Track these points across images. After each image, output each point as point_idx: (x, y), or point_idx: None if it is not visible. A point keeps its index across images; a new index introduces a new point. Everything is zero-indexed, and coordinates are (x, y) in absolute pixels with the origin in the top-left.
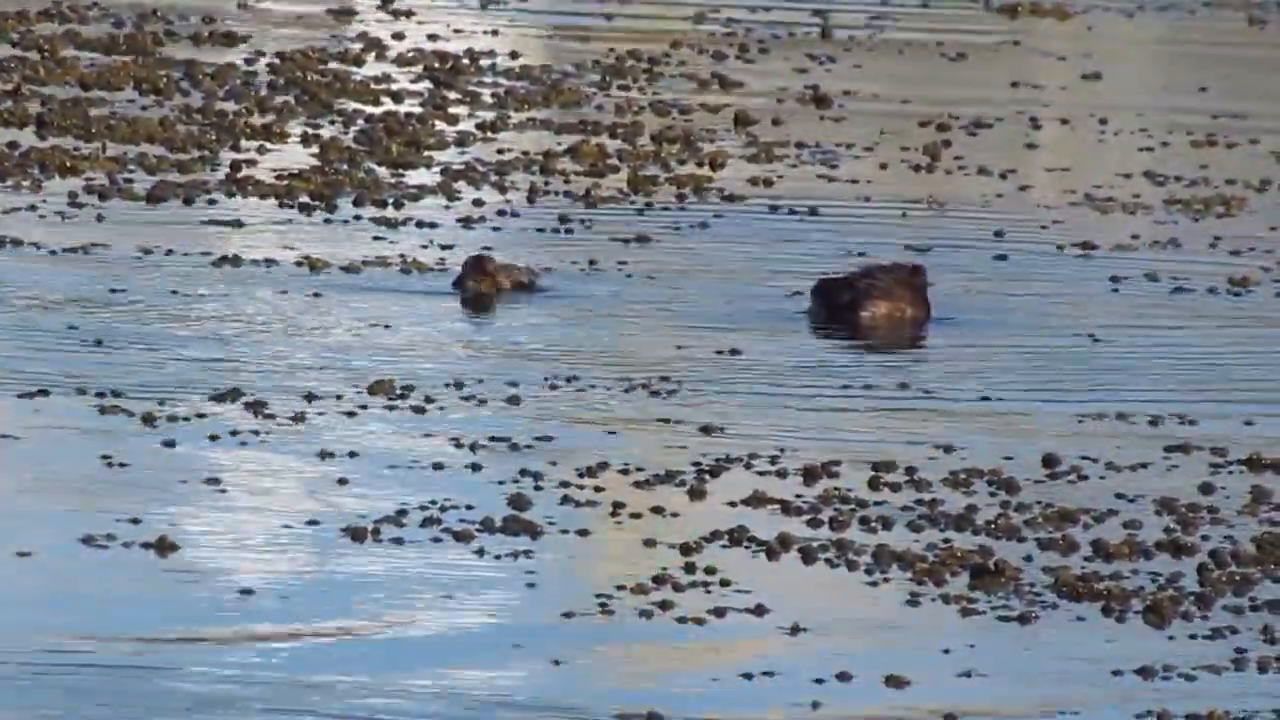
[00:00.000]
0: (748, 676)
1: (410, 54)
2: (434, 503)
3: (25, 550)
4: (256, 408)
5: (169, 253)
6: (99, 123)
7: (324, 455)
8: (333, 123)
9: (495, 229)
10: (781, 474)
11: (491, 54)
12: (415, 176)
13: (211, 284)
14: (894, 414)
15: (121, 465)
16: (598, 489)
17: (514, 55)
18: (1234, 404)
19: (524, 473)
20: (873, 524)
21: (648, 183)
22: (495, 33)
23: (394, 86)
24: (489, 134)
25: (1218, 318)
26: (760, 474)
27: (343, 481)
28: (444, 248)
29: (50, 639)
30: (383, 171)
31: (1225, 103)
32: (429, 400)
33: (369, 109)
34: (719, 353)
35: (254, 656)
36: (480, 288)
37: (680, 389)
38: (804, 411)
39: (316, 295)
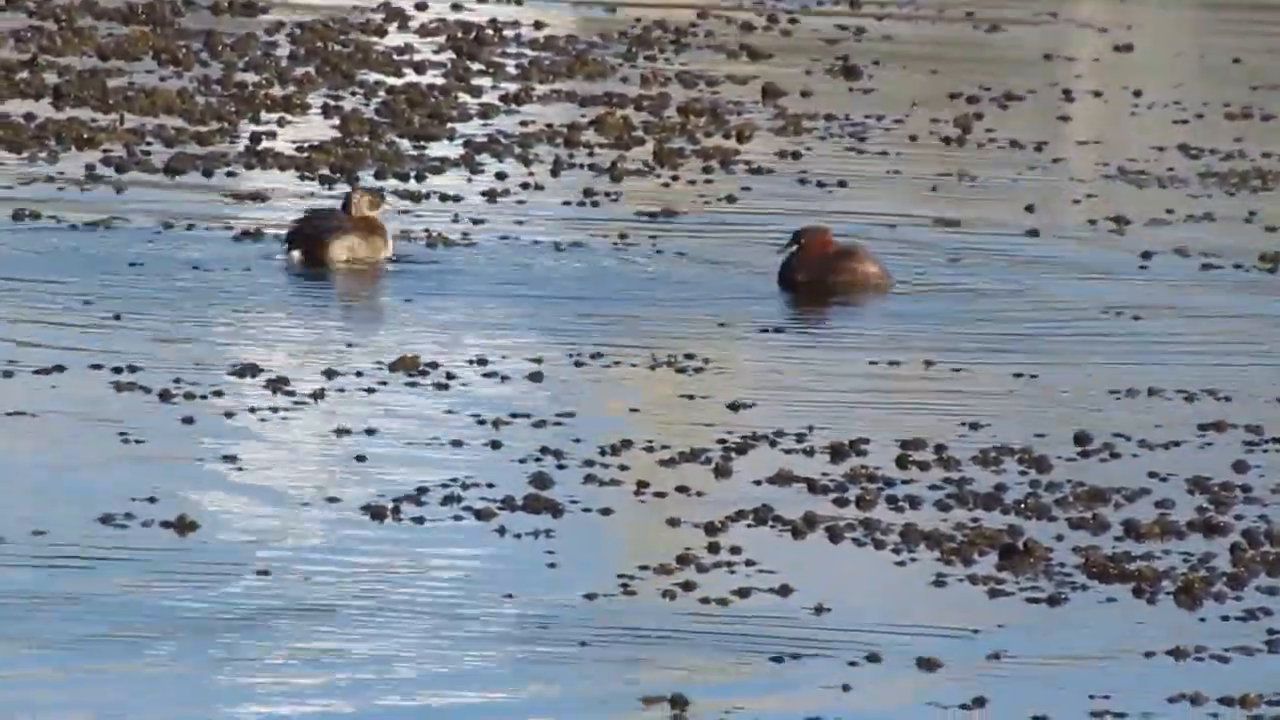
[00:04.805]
0: (776, 660)
1: (433, 24)
2: (455, 480)
3: (41, 529)
4: (276, 384)
5: (189, 226)
6: (117, 94)
7: (343, 432)
8: (354, 94)
9: (520, 202)
10: (809, 452)
11: (516, 24)
12: (438, 149)
13: (231, 258)
14: (923, 391)
15: (139, 442)
16: (621, 467)
17: (538, 25)
18: (1269, 381)
19: (546, 450)
20: (900, 503)
21: (674, 155)
22: (520, 2)
23: (416, 57)
24: (513, 106)
25: (1251, 293)
26: (787, 452)
27: (362, 459)
28: (476, 221)
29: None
30: (405, 144)
31: (1261, 74)
32: (450, 377)
33: (391, 80)
34: (763, 331)
35: (273, 635)
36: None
37: (706, 366)
38: (831, 389)
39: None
